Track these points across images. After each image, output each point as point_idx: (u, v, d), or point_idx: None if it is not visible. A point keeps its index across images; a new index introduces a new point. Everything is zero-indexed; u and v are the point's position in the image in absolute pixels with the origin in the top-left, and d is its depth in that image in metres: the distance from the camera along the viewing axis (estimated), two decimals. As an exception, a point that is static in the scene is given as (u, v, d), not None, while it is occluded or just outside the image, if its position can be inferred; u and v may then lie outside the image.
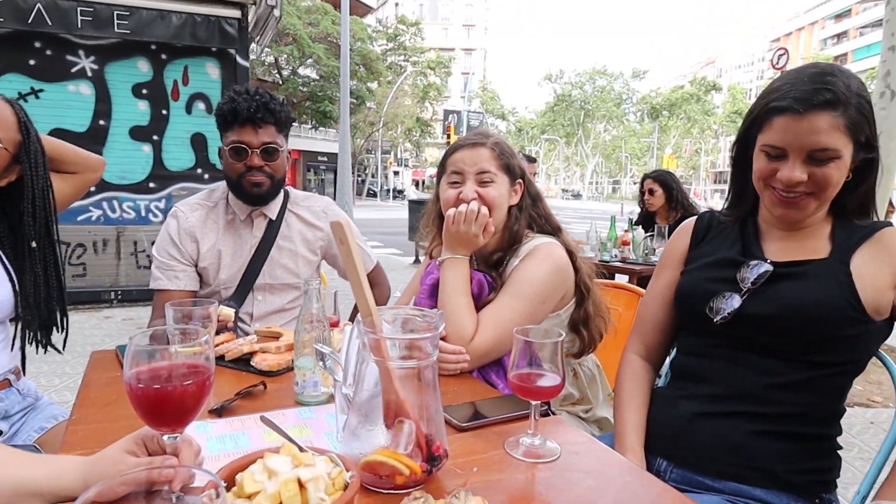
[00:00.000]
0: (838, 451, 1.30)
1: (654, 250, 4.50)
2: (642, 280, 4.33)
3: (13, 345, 1.49)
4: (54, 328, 1.53)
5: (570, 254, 1.66)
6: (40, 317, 1.48)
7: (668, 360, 1.61)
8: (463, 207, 1.55)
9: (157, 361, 0.81)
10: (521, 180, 1.69)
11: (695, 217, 1.57)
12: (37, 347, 1.50)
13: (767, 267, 1.30)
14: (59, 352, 1.57)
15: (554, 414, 1.58)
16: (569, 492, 0.93)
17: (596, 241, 4.63)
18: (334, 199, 7.68)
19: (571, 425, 1.22)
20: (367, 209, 26.33)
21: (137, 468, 0.81)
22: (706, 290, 1.36)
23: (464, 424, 1.14)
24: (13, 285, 1.45)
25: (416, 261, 9.92)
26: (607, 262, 4.38)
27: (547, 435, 1.09)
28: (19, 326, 1.47)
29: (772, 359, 1.27)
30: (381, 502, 0.85)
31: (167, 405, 0.81)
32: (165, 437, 0.83)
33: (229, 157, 1.89)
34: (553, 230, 1.70)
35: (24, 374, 1.58)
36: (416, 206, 9.62)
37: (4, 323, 1.48)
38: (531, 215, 1.70)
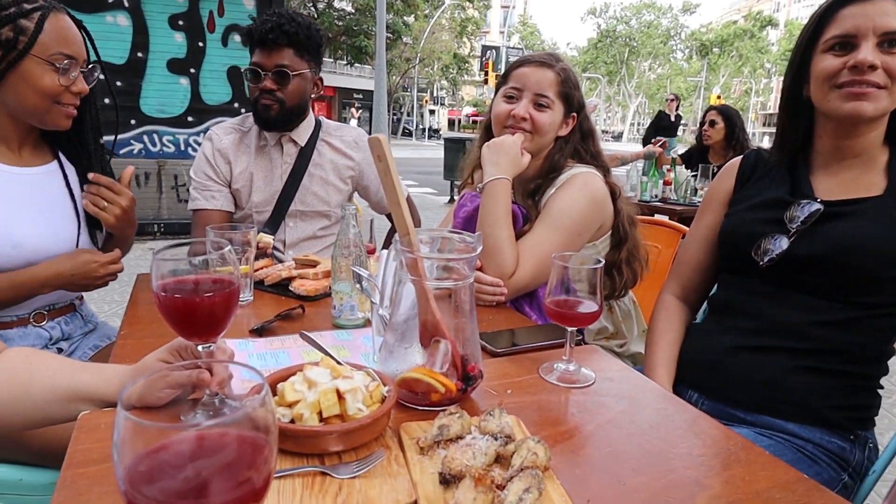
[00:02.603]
0: (878, 391, 1.28)
1: (697, 191, 4.37)
2: (682, 222, 4.23)
3: None
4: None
5: (612, 189, 1.62)
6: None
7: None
8: (507, 140, 1.54)
9: (182, 274, 0.82)
10: (575, 114, 1.64)
11: (739, 157, 1.51)
12: None
13: (818, 206, 1.25)
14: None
15: (586, 343, 1.58)
16: (602, 415, 0.93)
17: (637, 181, 4.51)
18: (370, 135, 7.66)
19: (606, 354, 1.22)
20: (403, 148, 26.13)
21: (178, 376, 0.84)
22: (752, 232, 1.32)
23: (498, 350, 1.15)
24: (78, 221, 1.51)
25: (451, 200, 9.88)
26: (647, 202, 4.28)
27: (581, 362, 1.09)
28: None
29: (817, 298, 1.24)
30: (417, 418, 0.87)
31: (194, 315, 0.82)
32: (199, 347, 0.85)
33: (247, 79, 1.88)
34: (599, 166, 1.65)
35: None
36: (451, 144, 9.48)
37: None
38: (578, 150, 1.66)
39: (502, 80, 1.70)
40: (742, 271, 1.35)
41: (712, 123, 4.53)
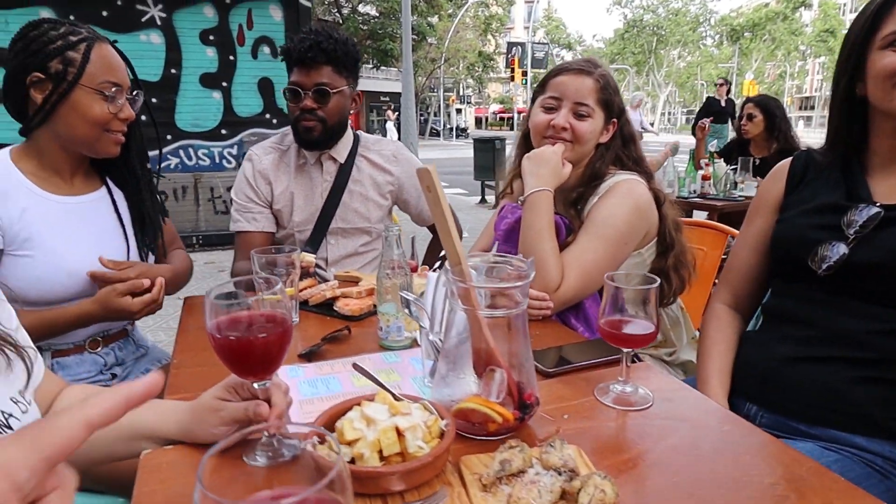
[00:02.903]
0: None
1: (737, 185, 4.26)
2: (722, 218, 4.13)
3: None
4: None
5: (656, 196, 1.58)
6: (154, 232, 1.58)
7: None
8: (547, 151, 1.51)
9: (236, 312, 0.82)
10: (616, 119, 1.61)
11: (789, 159, 1.45)
12: None
13: (877, 210, 1.19)
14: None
15: (640, 359, 1.55)
16: (665, 440, 0.90)
17: (673, 176, 4.42)
18: (398, 138, 7.65)
19: (661, 371, 1.19)
20: (431, 149, 26.20)
21: (235, 411, 0.84)
22: (808, 239, 1.27)
23: (550, 370, 1.13)
24: (127, 243, 1.55)
25: (483, 200, 9.85)
26: (685, 198, 4.19)
27: (637, 381, 1.06)
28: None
29: (877, 306, 1.19)
30: (475, 448, 0.85)
31: (250, 356, 0.82)
32: (255, 385, 0.85)
33: (287, 99, 1.89)
34: (642, 172, 1.61)
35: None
36: (481, 145, 9.44)
37: None
38: (620, 156, 1.62)
39: (539, 89, 1.67)
40: (797, 279, 1.30)
41: (750, 117, 4.39)
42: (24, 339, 0.86)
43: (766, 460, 0.85)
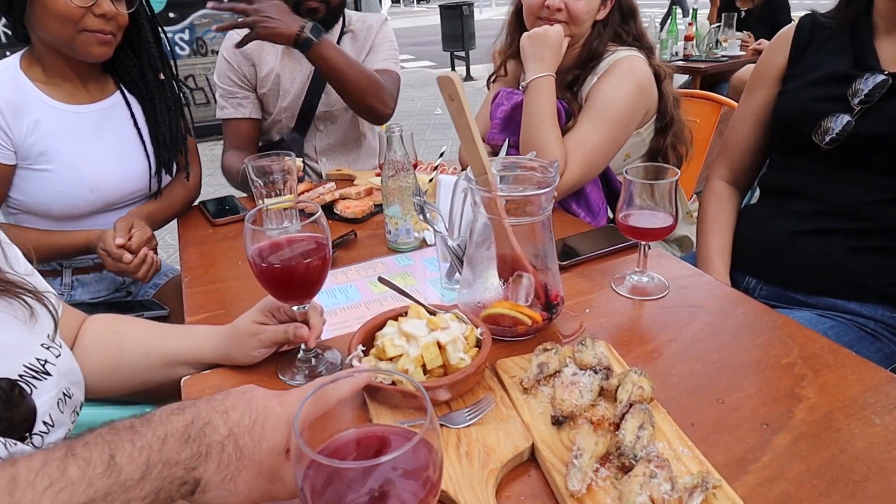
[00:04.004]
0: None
1: (720, 43, 4.12)
2: (705, 80, 4.04)
3: None
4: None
5: (657, 72, 1.52)
6: (169, 153, 1.52)
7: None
8: (550, 32, 1.43)
9: (276, 238, 0.81)
10: None
11: (792, 24, 1.39)
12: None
13: (883, 77, 1.17)
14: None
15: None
16: (685, 328, 0.94)
17: (654, 37, 4.24)
18: (356, 7, 7.03)
19: (674, 258, 1.21)
20: (394, 17, 24.66)
21: (275, 334, 0.85)
22: (813, 112, 1.24)
23: (563, 262, 1.14)
24: (149, 163, 1.49)
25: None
26: (668, 61, 4.05)
27: (651, 270, 1.09)
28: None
29: (881, 175, 1.20)
30: (506, 350, 0.88)
31: (292, 281, 0.81)
32: (294, 308, 0.85)
33: None
34: (644, 51, 1.53)
35: None
36: (447, 11, 8.86)
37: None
38: (619, 32, 1.53)
39: None
40: (799, 152, 1.30)
41: None
42: (40, 283, 0.84)
43: (783, 340, 0.90)
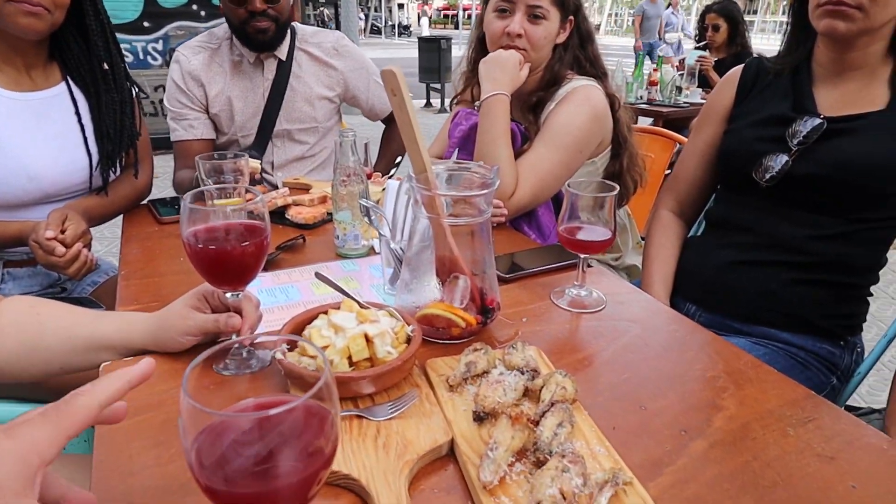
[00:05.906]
0: (868, 298, 1.33)
1: (681, 90, 4.29)
2: (668, 124, 4.19)
3: None
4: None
5: (612, 101, 1.57)
6: (115, 149, 1.49)
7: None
8: (504, 55, 1.46)
9: (212, 221, 0.80)
10: (572, 17, 1.55)
11: (740, 67, 1.46)
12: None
13: (820, 121, 1.23)
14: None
15: (590, 265, 1.60)
16: (617, 340, 0.95)
17: (621, 81, 4.40)
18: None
19: (615, 275, 1.24)
20: (373, 48, 24.95)
21: (205, 322, 0.83)
22: (754, 151, 1.30)
23: (507, 276, 1.15)
24: (90, 158, 1.45)
25: (428, 103, 9.59)
26: (633, 104, 4.21)
27: (591, 286, 1.10)
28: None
29: (817, 214, 1.25)
30: (438, 351, 0.88)
31: (226, 265, 0.80)
32: (228, 295, 0.84)
33: (228, 1, 1.73)
34: (599, 74, 1.59)
35: None
36: (426, 45, 9.05)
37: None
38: (577, 56, 1.58)
39: None
40: (741, 188, 1.35)
41: (716, 28, 4.39)
42: None
43: (710, 356, 0.92)
